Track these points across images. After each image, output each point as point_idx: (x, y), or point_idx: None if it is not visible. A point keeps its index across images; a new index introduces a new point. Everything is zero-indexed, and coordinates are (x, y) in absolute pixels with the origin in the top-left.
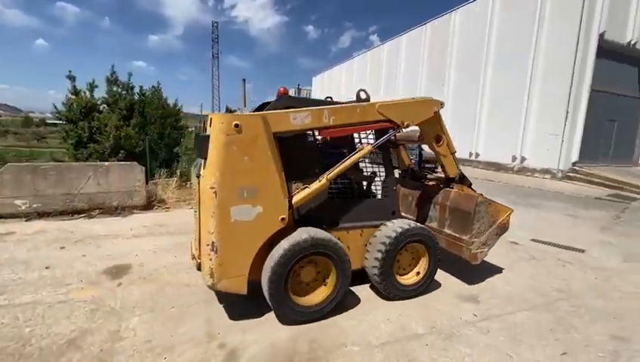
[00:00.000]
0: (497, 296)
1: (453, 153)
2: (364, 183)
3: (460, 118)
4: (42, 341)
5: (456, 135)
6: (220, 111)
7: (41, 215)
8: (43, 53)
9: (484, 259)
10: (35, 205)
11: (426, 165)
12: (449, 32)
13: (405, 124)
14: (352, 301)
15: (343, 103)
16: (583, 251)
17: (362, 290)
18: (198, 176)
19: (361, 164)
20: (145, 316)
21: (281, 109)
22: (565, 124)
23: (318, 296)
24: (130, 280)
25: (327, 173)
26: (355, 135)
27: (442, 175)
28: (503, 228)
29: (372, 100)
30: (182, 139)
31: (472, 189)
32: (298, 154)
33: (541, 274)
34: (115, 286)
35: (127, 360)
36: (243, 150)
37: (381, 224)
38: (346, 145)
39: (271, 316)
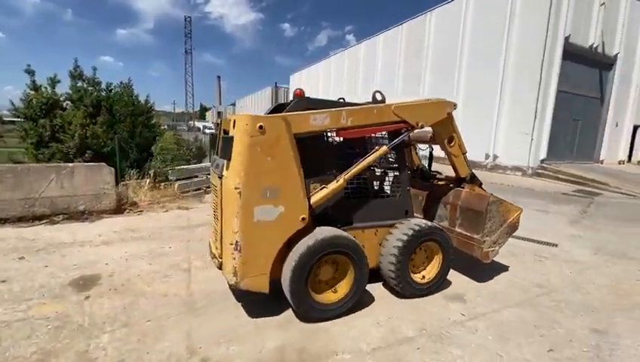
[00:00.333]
0: (482, 294)
1: (464, 153)
2: (378, 183)
3: None
4: None
5: None
6: (193, 108)
7: None
8: None
9: (490, 259)
10: None
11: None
12: (425, 32)
13: (420, 124)
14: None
15: (359, 105)
16: (556, 245)
17: None
18: (220, 177)
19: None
20: (117, 332)
21: (300, 111)
22: (534, 124)
23: (337, 293)
24: (99, 293)
25: (345, 173)
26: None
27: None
28: (514, 227)
29: (350, 100)
30: (156, 138)
31: (483, 189)
32: (316, 155)
33: (521, 269)
34: (83, 300)
35: None
36: (266, 151)
37: (395, 223)
38: (361, 145)
39: (257, 324)
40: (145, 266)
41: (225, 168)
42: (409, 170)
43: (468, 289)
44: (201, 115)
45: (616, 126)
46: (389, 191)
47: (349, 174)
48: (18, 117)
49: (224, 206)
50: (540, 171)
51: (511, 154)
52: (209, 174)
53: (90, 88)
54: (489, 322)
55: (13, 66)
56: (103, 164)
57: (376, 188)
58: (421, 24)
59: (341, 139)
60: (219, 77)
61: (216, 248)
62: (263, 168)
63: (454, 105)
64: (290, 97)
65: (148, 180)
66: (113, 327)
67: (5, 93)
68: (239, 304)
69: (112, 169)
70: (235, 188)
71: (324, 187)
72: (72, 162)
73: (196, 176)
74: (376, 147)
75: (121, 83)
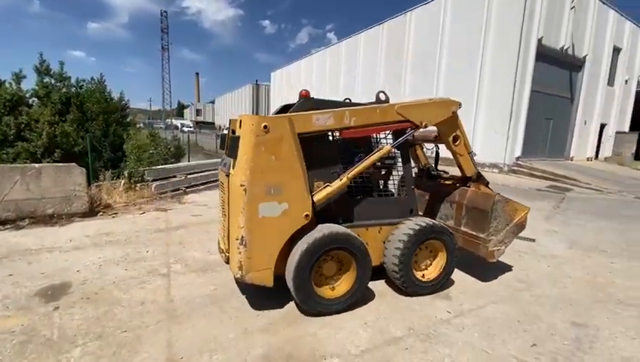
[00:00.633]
0: (466, 291)
1: (470, 152)
2: (383, 182)
3: None
4: None
5: None
6: (171, 106)
7: None
8: None
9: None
10: None
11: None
12: (405, 32)
13: (424, 124)
14: None
15: (363, 105)
16: (533, 240)
17: None
18: (228, 175)
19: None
20: (90, 345)
21: (304, 111)
22: (510, 122)
23: (340, 288)
24: (70, 303)
25: (348, 172)
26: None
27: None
28: (520, 226)
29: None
30: (128, 136)
31: (489, 188)
32: (320, 154)
33: (502, 265)
34: (51, 311)
35: None
36: (270, 150)
37: (399, 222)
38: (366, 145)
39: (242, 329)
40: (120, 272)
41: (232, 166)
42: (420, 169)
43: (452, 285)
44: (179, 112)
45: (585, 124)
46: (393, 190)
47: (352, 173)
48: None
49: (231, 202)
50: (515, 168)
51: (488, 152)
52: (188, 174)
53: (58, 84)
54: (475, 319)
55: None
56: (74, 164)
57: (380, 186)
58: (401, 24)
59: (347, 138)
60: (197, 73)
61: (224, 243)
62: (267, 166)
63: (459, 104)
64: (271, 95)
65: (123, 181)
66: (85, 340)
67: None
68: (224, 308)
69: (84, 169)
70: (241, 185)
71: (327, 185)
72: (40, 162)
73: (174, 176)
74: (380, 146)
75: (92, 79)
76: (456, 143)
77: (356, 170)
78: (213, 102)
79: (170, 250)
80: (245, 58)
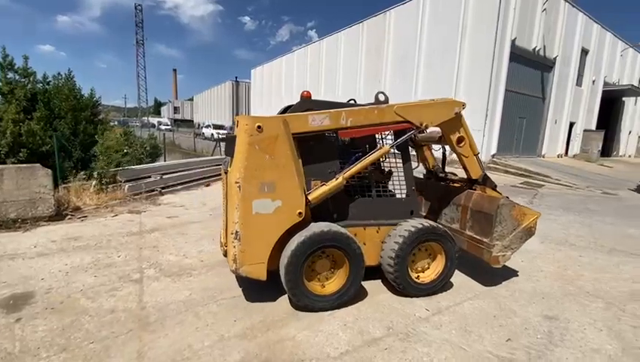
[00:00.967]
0: (444, 287)
1: (476, 154)
2: (382, 183)
3: None
4: None
5: None
6: (147, 103)
7: None
8: None
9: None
10: None
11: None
12: (385, 30)
13: (424, 125)
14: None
15: (362, 105)
16: None
17: None
18: (226, 172)
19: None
20: (54, 359)
21: (302, 112)
22: (486, 121)
23: (333, 286)
24: (33, 313)
25: (344, 171)
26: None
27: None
28: (529, 232)
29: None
30: (100, 135)
31: (497, 191)
32: (317, 154)
33: (478, 261)
34: (13, 323)
35: None
36: (264, 149)
37: (398, 223)
38: (369, 145)
39: (218, 336)
40: (89, 279)
41: (229, 164)
42: (429, 171)
43: None
44: (156, 110)
45: (555, 123)
46: (394, 191)
47: (348, 173)
48: None
49: (228, 198)
50: (491, 165)
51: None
52: (164, 174)
53: (22, 80)
54: (452, 316)
55: None
56: (38, 164)
57: (379, 187)
58: (381, 23)
59: (347, 139)
60: (175, 70)
61: (224, 237)
62: (261, 165)
63: (463, 105)
64: (252, 92)
65: (94, 182)
66: (49, 353)
67: None
68: (199, 315)
69: (49, 170)
70: (236, 183)
71: (323, 184)
72: (5, 163)
73: (149, 177)
74: (378, 147)
75: (58, 74)
76: (461, 145)
77: (352, 170)
78: (191, 99)
79: (144, 254)
80: (225, 55)
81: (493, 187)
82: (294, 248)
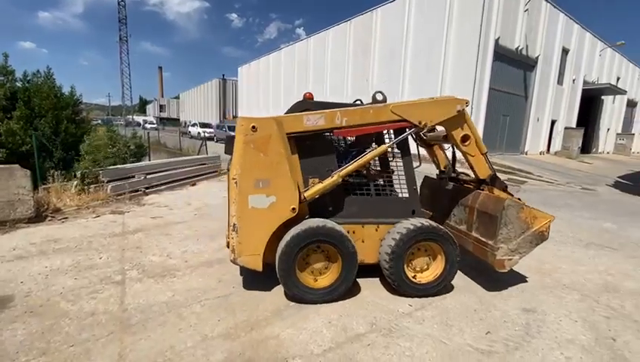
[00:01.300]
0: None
1: (484, 153)
2: (383, 181)
3: None
4: None
5: None
6: (131, 101)
7: None
8: None
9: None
10: None
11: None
12: (372, 29)
13: (423, 123)
14: (293, 307)
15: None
16: None
17: None
18: (228, 170)
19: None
20: None
21: (299, 112)
22: (471, 118)
23: (325, 280)
24: (11, 317)
25: (339, 170)
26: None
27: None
28: (540, 236)
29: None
30: (84, 135)
31: (508, 192)
32: (316, 153)
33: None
34: None
35: None
36: (259, 147)
37: (398, 221)
38: (369, 144)
39: (202, 336)
40: (69, 282)
41: (230, 162)
42: (441, 171)
43: None
44: (141, 108)
45: (538, 121)
46: (394, 190)
47: (343, 171)
48: None
49: (229, 193)
50: (462, 161)
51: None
52: (148, 174)
53: (1, 78)
54: (434, 310)
55: None
56: (16, 165)
57: (379, 185)
58: (368, 21)
59: (351, 138)
60: (160, 67)
61: (227, 230)
62: (255, 162)
63: (467, 102)
64: (239, 90)
65: (75, 183)
66: (29, 357)
67: None
68: (183, 315)
69: (28, 171)
70: (233, 179)
71: (319, 182)
72: None
73: (132, 177)
74: (374, 146)
75: (37, 71)
76: (466, 143)
77: (348, 168)
78: (178, 97)
79: (126, 255)
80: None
81: (504, 188)
82: (288, 240)
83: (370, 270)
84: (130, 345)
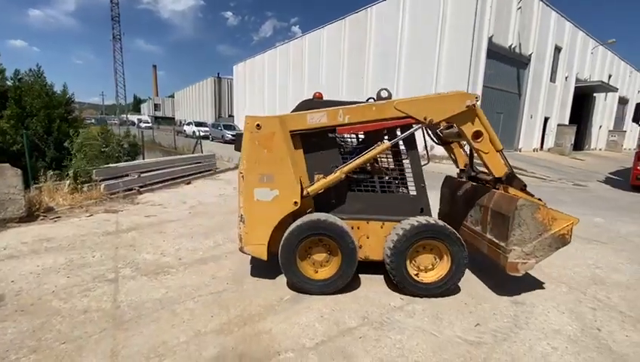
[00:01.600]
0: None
1: (499, 150)
2: (388, 178)
3: None
4: None
5: None
6: (125, 100)
7: None
8: None
9: None
10: None
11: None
12: (366, 27)
13: (428, 119)
14: (286, 303)
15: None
16: None
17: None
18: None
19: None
20: (23, 361)
21: (304, 110)
22: None
23: (325, 273)
24: (2, 316)
25: (342, 166)
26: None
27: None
28: (562, 239)
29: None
30: (75, 134)
31: (527, 192)
32: (321, 149)
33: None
34: None
35: None
36: (263, 144)
37: (405, 218)
38: (379, 141)
39: (195, 332)
40: (61, 280)
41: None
42: (461, 170)
43: None
44: (135, 107)
45: (531, 118)
46: (400, 187)
47: (346, 167)
48: None
49: (239, 187)
50: None
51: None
52: (143, 172)
53: None
54: (425, 304)
55: None
56: (7, 164)
57: (384, 182)
58: (363, 19)
59: (360, 135)
60: (155, 66)
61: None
62: (260, 158)
63: (476, 97)
64: (234, 88)
65: (68, 182)
66: (19, 355)
67: None
68: (176, 312)
69: (19, 170)
70: (240, 173)
71: (324, 177)
72: None
73: (126, 175)
74: (377, 143)
75: (30, 70)
76: (479, 140)
77: (351, 165)
78: (172, 96)
79: (120, 253)
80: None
81: (522, 187)
82: (290, 231)
83: (377, 267)
84: (122, 341)
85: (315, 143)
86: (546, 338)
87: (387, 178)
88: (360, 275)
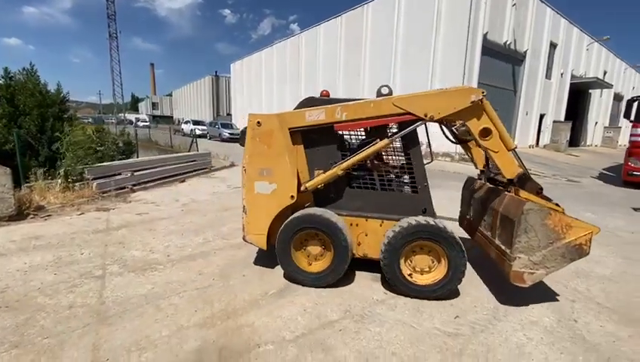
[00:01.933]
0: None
1: (511, 149)
2: (390, 176)
3: None
4: None
5: None
6: (123, 99)
7: None
8: None
9: None
10: None
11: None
12: (362, 24)
13: (429, 116)
14: (271, 297)
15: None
16: None
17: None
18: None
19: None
20: (4, 356)
21: (304, 108)
22: None
23: (317, 266)
24: None
25: (340, 162)
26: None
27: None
28: (578, 250)
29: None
30: (63, 133)
31: (543, 195)
32: (321, 146)
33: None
34: None
35: None
36: (263, 140)
37: (405, 217)
38: (383, 138)
39: (177, 326)
40: (48, 277)
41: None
42: (481, 171)
43: None
44: (133, 106)
45: (527, 114)
46: (402, 186)
47: (345, 164)
48: None
49: (242, 180)
50: (465, 157)
51: (440, 143)
52: (136, 171)
53: None
54: (407, 298)
55: None
56: None
57: (384, 180)
58: (359, 15)
59: (361, 131)
60: (152, 64)
61: None
62: (260, 153)
63: (482, 92)
64: (232, 86)
65: (59, 180)
66: (0, 350)
67: None
68: (160, 307)
69: (8, 169)
70: (243, 167)
71: (322, 173)
72: None
73: (119, 174)
74: (375, 140)
75: (24, 69)
76: (487, 138)
77: (348, 161)
78: (170, 94)
79: (109, 250)
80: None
81: (537, 189)
82: (287, 222)
83: (375, 265)
84: (105, 335)
85: (315, 140)
86: (523, 330)
87: (388, 176)
88: (356, 272)
